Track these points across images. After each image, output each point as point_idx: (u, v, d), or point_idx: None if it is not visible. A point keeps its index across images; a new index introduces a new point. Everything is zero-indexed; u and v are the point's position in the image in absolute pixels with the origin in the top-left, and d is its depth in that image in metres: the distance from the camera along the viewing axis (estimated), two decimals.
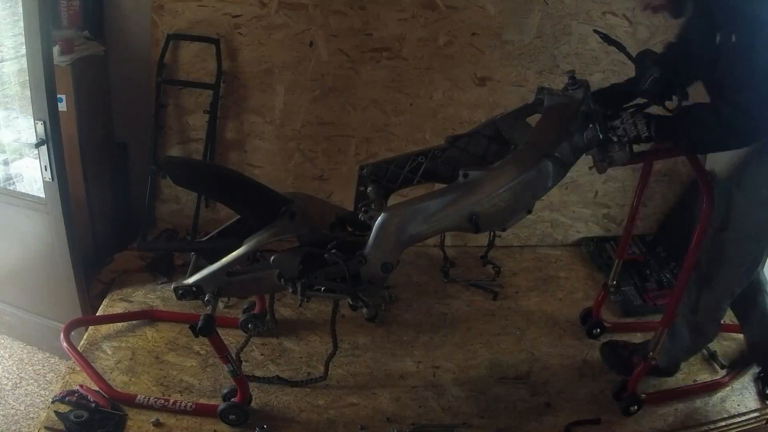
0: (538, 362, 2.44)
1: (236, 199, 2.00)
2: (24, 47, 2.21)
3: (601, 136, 1.84)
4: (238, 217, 2.03)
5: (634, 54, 2.03)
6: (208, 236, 2.12)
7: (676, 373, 2.35)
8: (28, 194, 2.52)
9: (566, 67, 2.88)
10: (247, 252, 1.90)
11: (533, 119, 2.04)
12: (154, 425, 1.99)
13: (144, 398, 2.06)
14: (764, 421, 2.26)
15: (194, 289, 1.94)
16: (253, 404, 2.10)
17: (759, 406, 2.27)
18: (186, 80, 2.86)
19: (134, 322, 2.47)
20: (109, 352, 2.31)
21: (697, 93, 1.95)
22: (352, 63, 2.90)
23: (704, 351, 2.47)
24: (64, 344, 2.26)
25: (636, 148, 2.07)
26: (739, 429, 2.22)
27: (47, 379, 2.55)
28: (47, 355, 2.68)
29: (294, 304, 2.55)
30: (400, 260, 1.91)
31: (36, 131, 2.27)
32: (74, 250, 2.44)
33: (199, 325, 1.88)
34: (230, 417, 2.02)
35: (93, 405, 1.99)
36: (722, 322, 2.26)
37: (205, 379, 2.22)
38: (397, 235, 1.84)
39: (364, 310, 1.95)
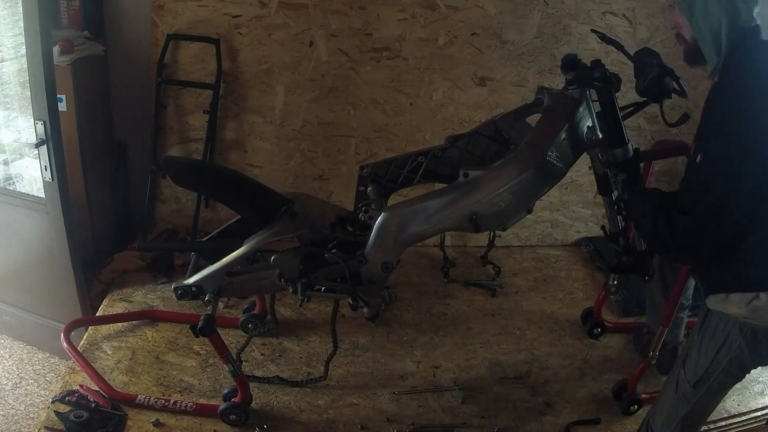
0: (538, 362, 2.44)
1: (236, 199, 2.00)
2: (24, 47, 2.21)
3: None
4: (239, 217, 2.03)
5: (632, 53, 2.03)
6: (208, 236, 2.12)
7: None
8: (28, 194, 2.52)
9: None
10: (248, 252, 1.91)
11: (533, 119, 2.04)
12: (154, 425, 1.99)
13: (144, 398, 2.06)
14: (764, 421, 2.26)
15: (194, 289, 1.94)
16: (253, 404, 2.10)
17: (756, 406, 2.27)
18: (186, 80, 2.86)
19: (134, 322, 2.47)
20: (109, 352, 2.31)
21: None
22: (352, 63, 2.90)
23: None
24: (64, 344, 2.26)
25: None
26: (739, 429, 2.22)
27: (47, 379, 2.55)
28: (47, 355, 2.67)
29: (294, 304, 2.54)
30: (400, 260, 1.91)
31: (36, 131, 2.27)
32: (74, 250, 2.44)
33: (199, 326, 1.89)
34: (231, 417, 2.02)
35: (93, 405, 1.98)
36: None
37: (205, 379, 2.22)
38: (397, 235, 1.84)
39: (365, 310, 1.95)
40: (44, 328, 2.63)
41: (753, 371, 2.24)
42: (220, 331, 1.97)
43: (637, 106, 2.05)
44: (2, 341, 2.75)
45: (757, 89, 1.50)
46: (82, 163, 2.67)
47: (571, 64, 1.97)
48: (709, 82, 1.62)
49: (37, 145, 2.27)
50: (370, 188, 2.04)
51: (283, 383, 2.22)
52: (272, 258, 1.91)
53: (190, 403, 2.06)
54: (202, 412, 2.05)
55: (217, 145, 2.95)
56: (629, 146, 1.99)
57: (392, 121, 3.00)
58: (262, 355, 2.37)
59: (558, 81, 2.82)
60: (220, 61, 2.80)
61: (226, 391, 2.10)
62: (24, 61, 2.26)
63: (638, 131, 3.06)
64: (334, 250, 1.88)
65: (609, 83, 1.93)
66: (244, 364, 2.23)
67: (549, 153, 1.83)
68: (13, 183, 2.65)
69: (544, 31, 2.95)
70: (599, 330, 2.57)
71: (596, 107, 1.98)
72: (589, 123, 1.94)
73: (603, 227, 2.16)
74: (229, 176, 2.07)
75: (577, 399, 2.26)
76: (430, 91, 2.98)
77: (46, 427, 1.93)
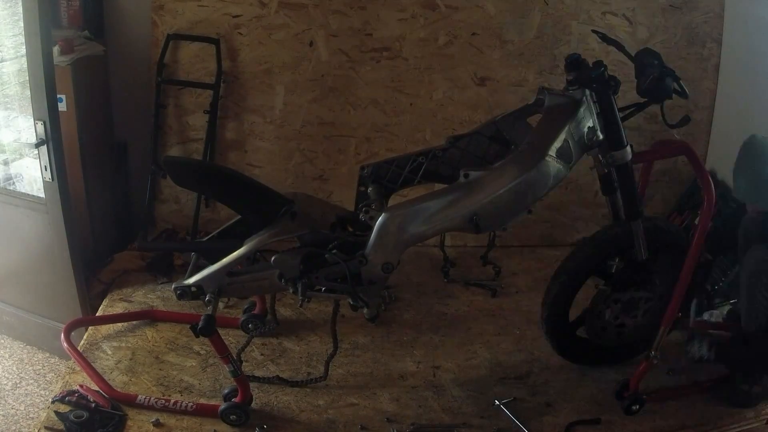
0: (538, 362, 2.43)
1: (237, 199, 2.00)
2: (24, 47, 2.21)
3: None
4: (239, 217, 2.03)
5: (632, 53, 2.04)
6: (208, 236, 2.12)
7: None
8: (28, 194, 2.52)
9: None
10: (248, 252, 1.90)
11: (533, 119, 2.04)
12: (154, 425, 1.99)
13: (144, 398, 2.06)
14: (764, 421, 2.26)
15: (194, 289, 1.94)
16: (253, 404, 2.09)
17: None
18: (186, 80, 2.86)
19: (134, 322, 2.47)
20: (109, 352, 2.31)
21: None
22: (352, 63, 2.90)
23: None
24: (64, 344, 2.26)
25: (636, 148, 2.09)
26: (739, 429, 2.22)
27: (47, 379, 2.55)
28: (47, 355, 2.67)
29: (294, 304, 2.54)
30: (401, 260, 1.91)
31: (36, 131, 2.27)
32: (74, 250, 2.44)
33: (200, 326, 1.88)
34: (231, 417, 2.01)
35: (93, 405, 1.98)
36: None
37: (205, 380, 2.22)
38: (397, 236, 1.84)
39: (365, 311, 1.95)
40: (44, 328, 2.63)
41: None
42: (220, 331, 1.97)
43: (638, 107, 2.05)
44: (2, 341, 2.75)
45: None
46: (82, 163, 2.67)
47: (573, 63, 1.97)
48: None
49: (37, 145, 2.27)
50: (370, 188, 2.04)
51: (283, 383, 2.22)
52: (273, 258, 1.90)
53: (190, 403, 2.06)
54: (202, 412, 2.05)
55: (217, 145, 2.95)
56: (628, 149, 1.99)
57: (392, 121, 3.00)
58: (262, 355, 2.37)
59: (558, 81, 2.82)
60: (220, 61, 2.80)
61: (226, 391, 2.09)
62: (24, 61, 2.27)
63: (638, 131, 3.06)
64: (334, 251, 1.88)
65: (606, 85, 1.93)
66: (244, 364, 2.23)
67: (550, 153, 1.83)
68: (13, 183, 2.65)
69: (544, 31, 2.95)
70: None
71: (597, 108, 1.98)
72: (590, 123, 1.94)
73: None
74: (229, 176, 2.07)
75: (577, 399, 2.26)
76: (430, 91, 2.98)
77: (46, 427, 1.93)
